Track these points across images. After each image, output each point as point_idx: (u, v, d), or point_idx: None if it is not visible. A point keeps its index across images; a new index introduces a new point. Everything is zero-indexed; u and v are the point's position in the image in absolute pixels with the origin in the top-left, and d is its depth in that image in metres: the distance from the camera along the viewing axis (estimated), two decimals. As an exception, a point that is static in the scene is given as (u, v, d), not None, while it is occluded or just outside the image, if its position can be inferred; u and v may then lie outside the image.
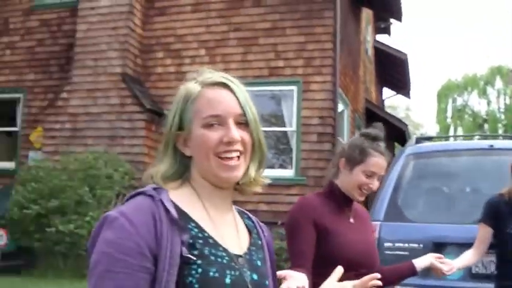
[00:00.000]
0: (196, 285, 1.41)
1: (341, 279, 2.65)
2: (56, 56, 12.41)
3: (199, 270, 1.42)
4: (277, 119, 10.80)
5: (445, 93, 36.78)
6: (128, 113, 10.80)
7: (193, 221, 1.45)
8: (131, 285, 1.34)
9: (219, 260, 1.44)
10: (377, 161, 2.68)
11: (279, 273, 2.03)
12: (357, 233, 2.72)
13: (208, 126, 1.48)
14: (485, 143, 4.93)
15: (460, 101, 37.04)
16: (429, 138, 5.64)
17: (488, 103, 36.38)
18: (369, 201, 4.87)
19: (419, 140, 5.15)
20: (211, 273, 1.41)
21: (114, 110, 10.89)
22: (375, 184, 2.70)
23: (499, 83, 36.11)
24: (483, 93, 36.56)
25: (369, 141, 2.73)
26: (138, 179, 10.04)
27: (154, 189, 1.45)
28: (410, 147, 4.94)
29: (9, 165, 12.43)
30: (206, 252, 1.42)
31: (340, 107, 11.10)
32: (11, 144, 12.88)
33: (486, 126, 33.03)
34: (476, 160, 4.69)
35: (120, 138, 10.74)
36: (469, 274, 4.11)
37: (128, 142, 10.70)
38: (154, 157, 10.59)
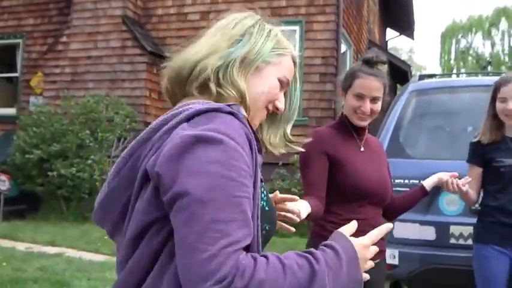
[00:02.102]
0: (266, 208, 1.44)
1: (354, 207, 2.68)
2: (55, 0, 12.23)
3: (265, 192, 1.45)
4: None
5: (449, 34, 36.33)
6: (129, 55, 10.72)
7: None
8: (250, 210, 1.24)
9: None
10: (363, 82, 2.66)
11: (283, 196, 2.02)
12: (369, 162, 2.74)
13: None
14: (489, 80, 4.84)
15: (464, 43, 36.61)
16: (432, 76, 5.55)
17: (493, 45, 35.97)
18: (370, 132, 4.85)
19: (422, 77, 5.08)
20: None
21: (114, 53, 10.81)
22: (366, 106, 2.66)
23: (504, 24, 35.63)
24: (488, 34, 36.11)
25: (361, 64, 2.72)
26: (139, 121, 10.02)
27: (228, 105, 1.34)
28: (413, 84, 4.88)
29: (11, 111, 12.44)
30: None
31: (343, 47, 11.00)
32: (11, 90, 12.84)
33: (490, 68, 32.66)
34: (479, 97, 4.61)
35: (121, 81, 10.70)
36: (468, 210, 4.10)
37: (128, 85, 10.64)
38: (155, 100, 10.56)
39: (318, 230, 2.72)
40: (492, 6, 37.15)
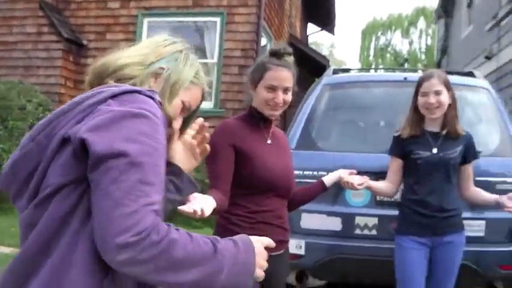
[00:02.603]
0: None
1: (260, 199, 2.69)
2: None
3: None
4: (200, 50, 10.64)
5: (369, 31, 37.30)
6: (45, 42, 10.37)
7: None
8: (163, 181, 1.42)
9: None
10: (274, 74, 2.68)
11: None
12: (275, 155, 2.77)
13: None
14: (400, 75, 4.98)
15: (383, 40, 37.70)
16: (347, 70, 5.64)
17: (410, 43, 37.15)
18: (287, 127, 4.88)
19: (336, 71, 5.15)
20: None
21: (30, 39, 10.44)
22: (279, 97, 2.69)
23: (422, 23, 36.87)
24: (406, 33, 37.26)
25: (268, 57, 2.74)
26: (53, 110, 9.71)
27: (148, 90, 1.53)
28: (327, 78, 4.93)
29: None
30: None
31: (264, 40, 11.03)
32: None
33: (407, 65, 33.72)
34: (391, 92, 4.74)
35: (35, 68, 10.33)
36: (374, 201, 4.22)
37: (43, 72, 10.30)
38: (70, 88, 10.28)
39: (223, 223, 2.72)
40: (412, 6, 38.28)
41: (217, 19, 10.21)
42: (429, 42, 35.98)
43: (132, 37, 10.32)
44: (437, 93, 3.47)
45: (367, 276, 4.37)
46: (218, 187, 2.57)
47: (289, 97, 2.74)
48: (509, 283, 4.29)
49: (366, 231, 4.22)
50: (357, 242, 4.22)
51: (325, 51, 40.21)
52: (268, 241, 1.69)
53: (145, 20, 10.47)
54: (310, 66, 13.15)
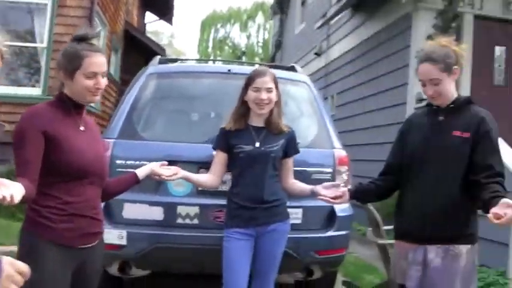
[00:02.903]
0: None
1: (72, 188, 2.61)
2: None
3: None
4: (29, 34, 10.11)
5: (208, 23, 37.60)
6: None
7: None
8: None
9: None
10: (93, 60, 2.63)
11: None
12: (87, 141, 2.70)
13: None
14: (224, 67, 5.07)
15: (222, 32, 38.19)
16: (174, 60, 5.65)
17: (248, 37, 37.98)
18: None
19: (163, 61, 5.14)
20: None
21: None
22: (100, 83, 2.66)
23: (260, 18, 37.79)
24: (245, 26, 38.02)
25: (79, 43, 2.67)
26: None
27: None
28: (153, 67, 4.90)
29: None
30: None
31: (98, 27, 10.72)
32: None
33: (244, 58, 34.44)
34: (215, 83, 4.81)
35: None
36: (196, 191, 4.27)
37: None
38: None
39: (33, 216, 2.58)
40: (251, 0, 39.15)
41: (49, 1, 9.70)
42: (266, 36, 36.99)
43: None
44: (269, 90, 3.64)
45: (191, 266, 4.41)
46: (25, 175, 2.43)
47: (105, 81, 2.70)
48: (327, 267, 4.54)
49: (187, 221, 4.25)
50: (178, 231, 4.23)
51: (165, 41, 39.97)
52: (24, 267, 1.53)
53: (-33, -2, 9.73)
54: (147, 56, 13.01)
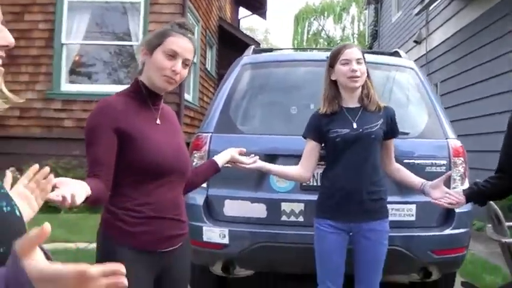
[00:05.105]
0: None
1: (151, 188, 2.39)
2: None
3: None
4: (124, 32, 10.22)
5: (302, 17, 37.45)
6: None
7: None
8: None
9: None
10: (177, 40, 2.38)
11: (54, 181, 1.74)
12: (165, 136, 2.43)
13: None
14: (322, 54, 4.74)
15: (316, 26, 37.94)
16: (268, 50, 5.40)
17: (343, 29, 37.52)
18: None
19: (257, 51, 4.91)
20: None
21: None
22: (177, 66, 2.37)
23: (354, 9, 37.26)
24: (339, 18, 37.59)
25: (172, 26, 2.43)
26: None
27: None
28: (247, 57, 4.68)
29: None
30: None
31: (191, 22, 10.69)
32: None
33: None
34: (312, 71, 4.51)
35: None
36: (300, 186, 4.02)
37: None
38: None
39: (109, 219, 2.36)
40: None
41: (141, 0, 9.80)
42: (361, 27, 36.37)
43: (52, 18, 9.82)
44: (359, 61, 3.26)
45: (295, 265, 4.15)
46: (97, 175, 2.22)
47: (186, 72, 2.43)
48: (445, 268, 4.16)
49: (292, 218, 4.02)
50: (282, 229, 4.01)
51: (260, 36, 40.16)
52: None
53: (66, 0, 9.93)
54: (242, 50, 12.90)
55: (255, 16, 20.36)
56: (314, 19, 37.77)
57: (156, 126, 2.43)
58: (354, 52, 3.27)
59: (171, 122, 2.56)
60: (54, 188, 1.71)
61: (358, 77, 3.25)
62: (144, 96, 2.42)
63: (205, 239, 3.98)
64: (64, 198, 1.66)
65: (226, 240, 3.99)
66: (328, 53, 3.45)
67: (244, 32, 18.93)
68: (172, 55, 2.35)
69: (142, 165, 2.31)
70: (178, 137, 2.57)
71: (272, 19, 79.95)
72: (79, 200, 1.78)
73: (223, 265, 4.13)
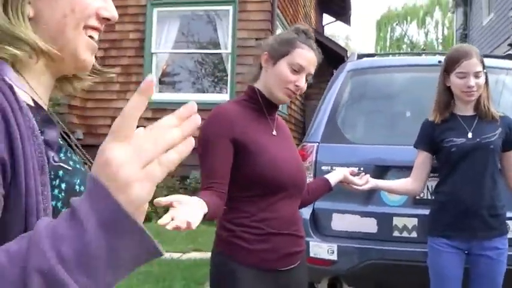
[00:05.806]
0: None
1: (268, 204, 2.24)
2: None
3: (63, 187, 0.97)
4: (212, 41, 10.25)
5: (384, 22, 36.96)
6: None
7: None
8: None
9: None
10: (305, 53, 2.23)
11: (166, 199, 1.65)
12: (283, 149, 2.30)
13: None
14: (434, 59, 4.48)
15: (399, 31, 37.34)
16: (372, 55, 5.17)
17: (427, 33, 36.75)
18: (307, 121, 4.42)
19: (361, 56, 4.69)
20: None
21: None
22: (301, 81, 2.24)
23: (437, 13, 36.46)
24: (422, 23, 36.86)
25: (298, 34, 2.27)
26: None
27: None
28: (352, 63, 4.46)
29: None
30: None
31: (279, 30, 10.58)
32: None
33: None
34: (424, 77, 4.25)
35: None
36: (412, 200, 3.78)
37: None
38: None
39: (225, 237, 2.22)
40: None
41: (230, 7, 9.77)
42: (445, 32, 35.46)
43: (142, 28, 9.94)
44: (477, 75, 3.01)
45: (408, 284, 3.90)
46: (213, 187, 2.10)
47: (305, 86, 2.30)
48: None
49: (405, 234, 3.78)
50: (394, 245, 3.77)
51: (341, 43, 39.66)
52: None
53: (155, 10, 10.04)
54: (327, 57, 12.70)
55: (337, 23, 20.15)
56: (396, 24, 37.16)
57: (273, 138, 2.30)
58: (472, 64, 3.00)
59: (285, 133, 2.43)
60: (170, 206, 1.62)
61: (475, 91, 3.03)
62: (261, 105, 2.30)
63: (311, 254, 3.80)
64: (178, 227, 1.53)
65: (334, 257, 3.80)
66: (438, 57, 3.21)
67: (326, 36, 18.71)
68: (298, 70, 2.22)
69: (260, 179, 2.18)
70: (294, 149, 2.45)
71: (353, 26, 79.45)
72: (195, 225, 1.65)
73: (329, 282, 3.96)
